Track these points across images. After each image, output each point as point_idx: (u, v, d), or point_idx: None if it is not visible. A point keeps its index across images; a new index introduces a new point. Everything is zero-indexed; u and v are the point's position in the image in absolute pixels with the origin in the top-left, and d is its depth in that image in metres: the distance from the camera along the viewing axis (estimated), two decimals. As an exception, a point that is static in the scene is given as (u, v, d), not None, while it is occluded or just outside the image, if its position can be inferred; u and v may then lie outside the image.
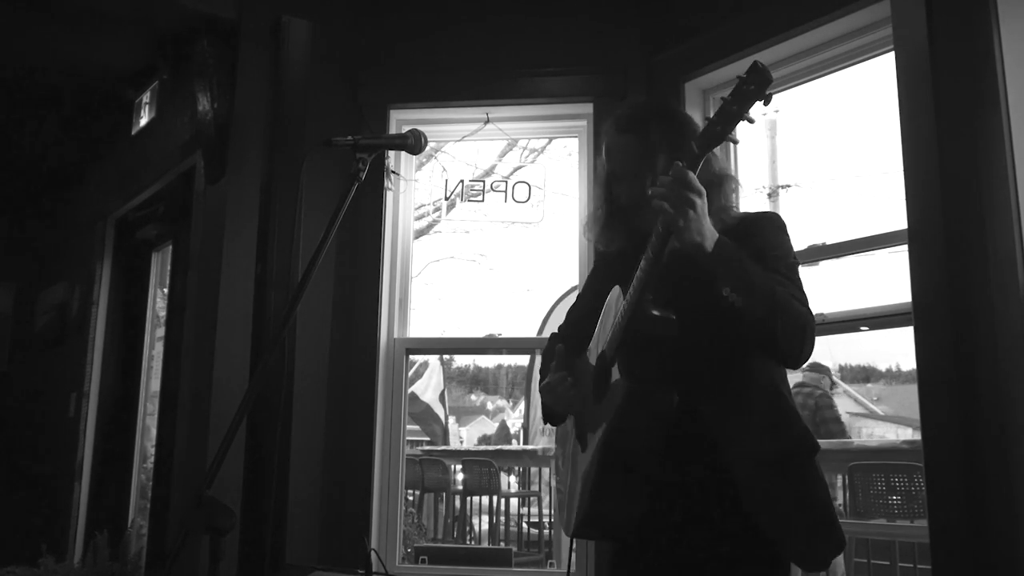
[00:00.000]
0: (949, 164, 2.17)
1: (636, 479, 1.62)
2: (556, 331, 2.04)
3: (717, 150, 1.56)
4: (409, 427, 3.70)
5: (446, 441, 9.87)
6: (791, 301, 1.58)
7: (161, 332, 4.31)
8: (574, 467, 1.80)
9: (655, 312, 1.55)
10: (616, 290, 1.70)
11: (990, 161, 2.10)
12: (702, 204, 1.48)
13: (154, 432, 3.98)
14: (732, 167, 2.93)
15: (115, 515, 4.04)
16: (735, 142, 1.47)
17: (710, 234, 1.51)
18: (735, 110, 1.41)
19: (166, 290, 4.23)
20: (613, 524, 1.67)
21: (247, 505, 2.41)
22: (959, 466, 2.06)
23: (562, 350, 1.81)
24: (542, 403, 1.85)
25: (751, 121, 1.43)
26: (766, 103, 1.41)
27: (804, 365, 1.70)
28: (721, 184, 1.72)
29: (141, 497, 4.22)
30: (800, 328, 1.58)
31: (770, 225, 1.76)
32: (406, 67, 3.38)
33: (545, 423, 1.90)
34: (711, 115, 1.45)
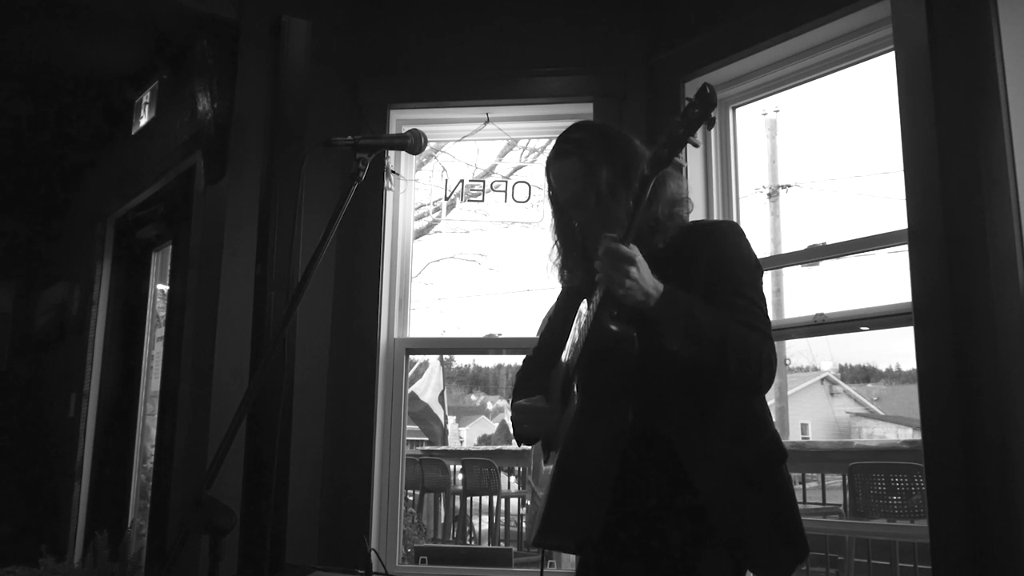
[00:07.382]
0: (949, 164, 2.17)
1: (591, 494, 1.60)
2: (529, 355, 2.03)
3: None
4: (409, 427, 3.69)
5: (446, 441, 9.87)
6: (745, 336, 1.57)
7: (161, 332, 4.31)
8: (538, 478, 1.80)
9: (614, 327, 1.55)
10: (585, 302, 1.69)
11: (990, 161, 2.10)
12: (636, 269, 1.49)
13: (154, 432, 3.98)
14: (733, 168, 2.95)
15: (115, 515, 4.04)
16: (681, 165, 1.50)
17: (654, 289, 1.52)
18: (682, 133, 1.42)
19: (166, 290, 4.23)
20: (569, 536, 1.66)
21: (247, 505, 2.41)
22: (959, 466, 2.06)
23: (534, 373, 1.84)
24: (513, 424, 1.84)
25: (696, 145, 1.45)
26: (710, 126, 1.43)
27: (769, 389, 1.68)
28: (659, 193, 1.68)
29: (141, 497, 4.22)
30: (754, 360, 1.57)
31: (725, 235, 1.74)
32: (406, 67, 3.38)
33: (519, 444, 1.89)
34: (661, 137, 1.45)
